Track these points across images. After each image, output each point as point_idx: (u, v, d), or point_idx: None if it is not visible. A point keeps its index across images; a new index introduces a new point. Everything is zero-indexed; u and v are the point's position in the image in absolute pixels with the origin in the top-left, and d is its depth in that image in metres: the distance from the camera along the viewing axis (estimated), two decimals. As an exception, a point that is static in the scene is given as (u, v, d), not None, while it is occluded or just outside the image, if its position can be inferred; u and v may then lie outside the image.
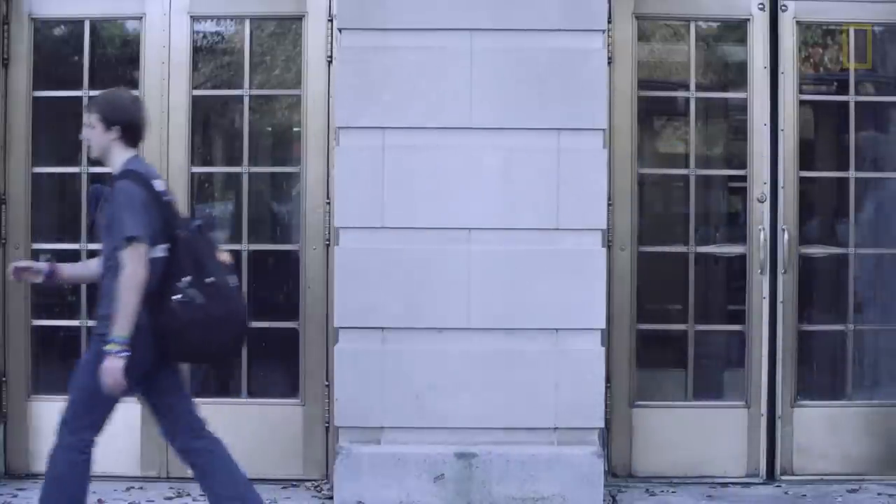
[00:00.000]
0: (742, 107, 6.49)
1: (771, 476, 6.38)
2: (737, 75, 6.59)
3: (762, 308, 6.37)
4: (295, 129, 6.53)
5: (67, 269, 5.16)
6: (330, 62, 6.27)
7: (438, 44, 5.91)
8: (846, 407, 6.46)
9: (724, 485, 6.33)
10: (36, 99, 6.43)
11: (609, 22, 6.15)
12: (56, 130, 6.63)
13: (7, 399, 6.44)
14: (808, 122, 6.63)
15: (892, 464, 6.38)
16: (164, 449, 6.38)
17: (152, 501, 6.08)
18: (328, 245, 6.26)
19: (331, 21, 6.25)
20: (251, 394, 6.43)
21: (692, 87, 6.47)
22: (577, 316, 5.94)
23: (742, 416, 6.40)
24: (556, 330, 5.94)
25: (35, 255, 6.46)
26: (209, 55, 6.67)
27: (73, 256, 6.44)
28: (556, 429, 5.95)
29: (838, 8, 6.45)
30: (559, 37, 5.91)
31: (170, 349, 4.69)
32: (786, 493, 6.23)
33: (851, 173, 6.46)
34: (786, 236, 6.33)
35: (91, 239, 6.46)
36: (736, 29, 6.57)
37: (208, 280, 4.65)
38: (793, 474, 6.38)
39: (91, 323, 6.41)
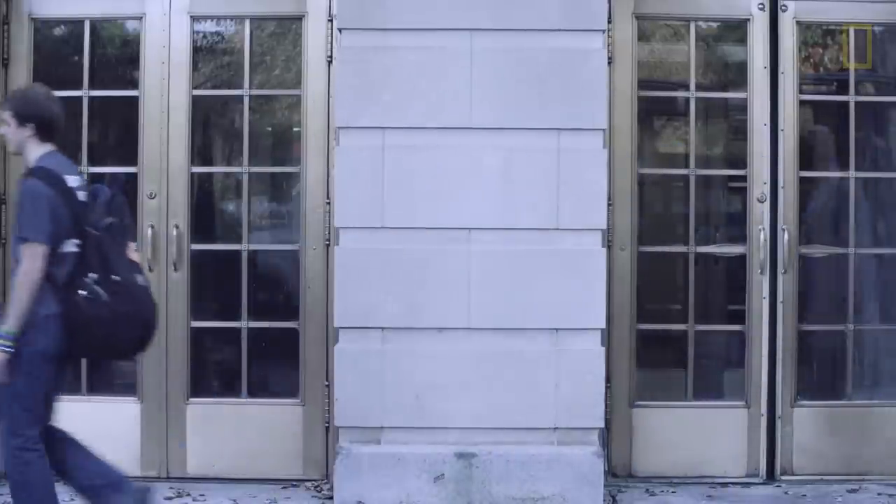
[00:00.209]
0: (742, 107, 6.49)
1: (771, 476, 6.38)
2: (737, 75, 6.59)
3: (762, 308, 6.37)
4: (295, 129, 6.53)
5: None
6: (330, 62, 6.27)
7: (438, 44, 5.91)
8: (846, 407, 6.46)
9: (724, 485, 6.33)
10: (36, 99, 6.43)
11: (609, 22, 6.15)
12: (56, 130, 6.61)
13: (7, 399, 6.43)
14: (808, 122, 6.63)
15: (892, 464, 6.38)
16: (163, 449, 6.39)
17: (152, 501, 6.07)
18: (328, 245, 6.26)
19: (331, 21, 6.25)
20: (251, 394, 6.43)
21: (692, 87, 6.47)
22: (577, 316, 5.94)
23: (742, 416, 6.40)
24: (556, 330, 5.94)
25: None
26: (209, 55, 6.67)
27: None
28: (556, 429, 5.95)
29: (838, 8, 6.45)
30: (559, 37, 5.92)
31: (75, 344, 4.78)
32: (786, 493, 6.23)
33: (851, 173, 6.46)
34: (786, 236, 6.33)
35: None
36: (736, 29, 6.57)
37: (114, 278, 4.75)
38: (793, 474, 6.38)
39: (91, 323, 6.44)
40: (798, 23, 6.41)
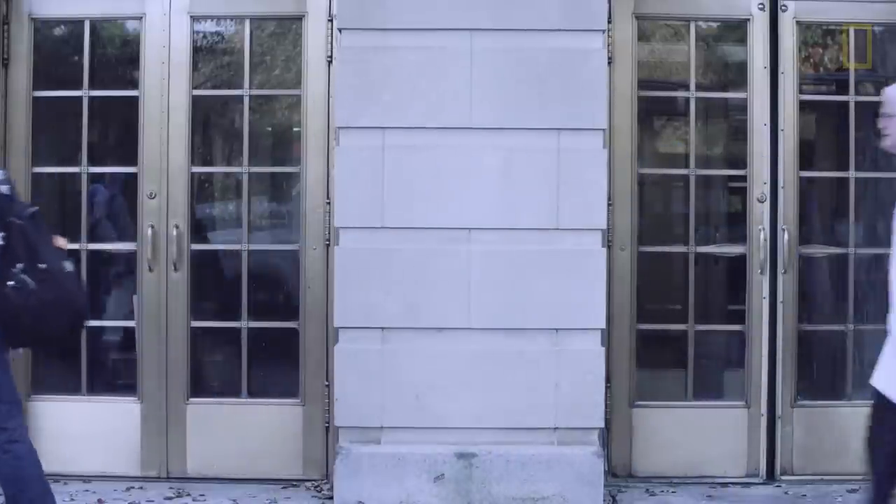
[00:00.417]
0: (742, 107, 6.49)
1: (771, 476, 6.38)
2: (737, 75, 6.59)
3: (762, 308, 6.37)
4: (295, 129, 6.53)
5: None
6: (330, 62, 6.28)
7: (438, 44, 5.91)
8: (846, 407, 6.45)
9: (724, 485, 6.33)
10: (36, 99, 6.43)
11: (609, 22, 6.15)
12: (56, 130, 6.63)
13: (7, 399, 6.43)
14: (808, 122, 6.63)
15: (892, 464, 6.37)
16: (163, 449, 6.39)
17: (152, 501, 6.08)
18: (328, 245, 6.26)
19: (331, 21, 6.25)
20: (251, 394, 6.43)
21: (692, 87, 6.47)
22: (577, 316, 5.94)
23: (742, 416, 6.41)
24: (556, 330, 5.94)
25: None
26: (209, 55, 6.67)
27: (73, 256, 6.44)
28: (556, 429, 5.95)
29: (838, 8, 6.45)
30: (559, 37, 5.92)
31: (7, 334, 4.76)
32: (786, 493, 6.23)
33: (851, 173, 6.46)
34: (786, 236, 6.33)
35: (91, 238, 6.48)
36: (736, 29, 6.57)
37: (41, 266, 4.73)
38: (793, 474, 6.38)
39: (91, 322, 6.43)
40: (798, 23, 6.41)
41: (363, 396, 5.94)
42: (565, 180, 5.90)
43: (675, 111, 6.85)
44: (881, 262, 6.62)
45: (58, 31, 6.73)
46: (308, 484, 6.31)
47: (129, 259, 6.44)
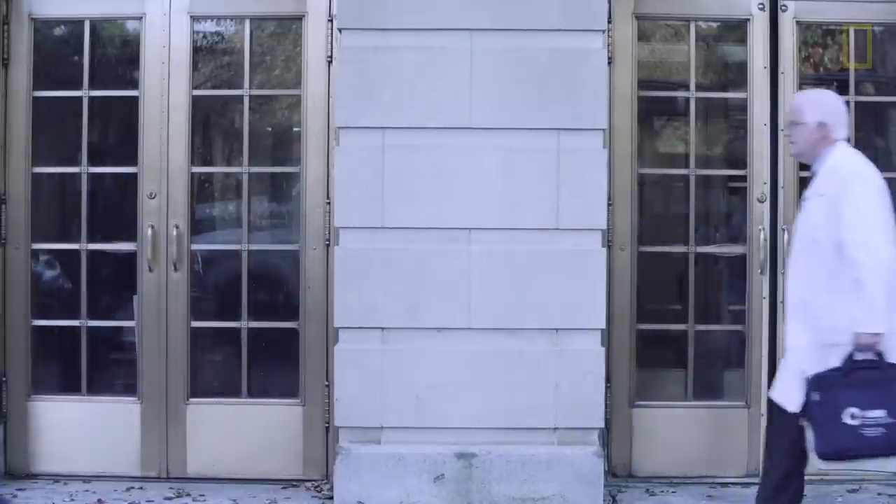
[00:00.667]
0: (742, 107, 6.49)
1: (771, 476, 6.38)
2: (737, 75, 6.59)
3: (762, 308, 6.37)
4: (295, 129, 6.53)
5: None
6: (330, 62, 6.28)
7: (438, 44, 5.91)
8: (846, 407, 6.45)
9: (724, 485, 6.33)
10: (36, 99, 6.43)
11: (609, 22, 6.15)
12: (56, 130, 6.63)
13: (7, 399, 6.44)
14: (808, 122, 6.62)
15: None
16: (163, 449, 6.39)
17: (152, 501, 6.08)
18: (328, 245, 6.26)
19: (331, 21, 6.25)
20: (251, 394, 6.43)
21: (692, 87, 6.47)
22: (577, 316, 5.94)
23: (742, 416, 6.40)
24: (556, 330, 5.94)
25: (35, 254, 6.47)
26: (209, 55, 6.67)
27: (73, 256, 6.45)
28: (556, 429, 5.95)
29: (838, 8, 6.45)
30: (559, 37, 5.91)
31: None
32: (786, 493, 6.23)
33: (851, 173, 6.45)
34: (786, 236, 6.32)
35: (91, 239, 6.48)
36: (736, 29, 6.57)
37: None
38: (793, 474, 6.37)
39: (91, 323, 6.44)
40: (798, 23, 6.41)
41: (363, 396, 5.94)
42: (565, 180, 5.90)
43: (675, 111, 6.85)
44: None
45: (58, 31, 6.73)
46: (308, 484, 6.31)
47: (129, 259, 6.43)
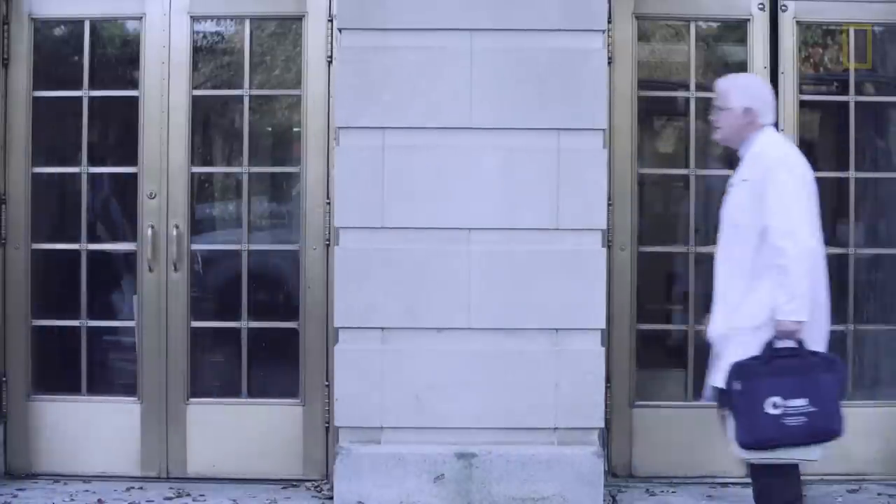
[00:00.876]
0: (742, 107, 6.48)
1: (771, 476, 6.37)
2: (737, 75, 6.59)
3: (762, 308, 6.36)
4: (295, 129, 6.53)
5: None
6: (330, 62, 6.27)
7: (438, 44, 5.91)
8: (846, 407, 6.41)
9: (724, 485, 6.33)
10: (36, 99, 6.43)
11: (609, 22, 6.15)
12: (56, 130, 6.63)
13: (7, 399, 6.44)
14: (808, 122, 6.63)
15: (892, 464, 6.38)
16: (163, 449, 6.39)
17: (152, 501, 6.08)
18: (328, 245, 6.26)
19: (331, 21, 6.25)
20: (251, 394, 6.43)
21: (692, 87, 6.47)
22: (577, 316, 5.94)
23: (742, 416, 6.40)
24: (556, 330, 5.94)
25: (35, 255, 6.47)
26: (209, 55, 6.67)
27: (73, 256, 6.45)
28: (556, 429, 5.95)
29: (838, 8, 6.45)
30: (559, 37, 5.91)
31: None
32: (786, 493, 6.23)
33: (851, 173, 6.46)
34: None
35: (91, 239, 6.48)
36: (736, 29, 6.57)
37: None
38: (793, 474, 6.37)
39: (91, 323, 6.44)
40: (798, 23, 6.41)
41: (363, 396, 5.94)
42: (565, 180, 5.90)
43: (675, 111, 6.85)
44: (881, 263, 6.65)
45: (58, 31, 6.73)
46: (308, 484, 6.31)
47: (129, 259, 6.43)
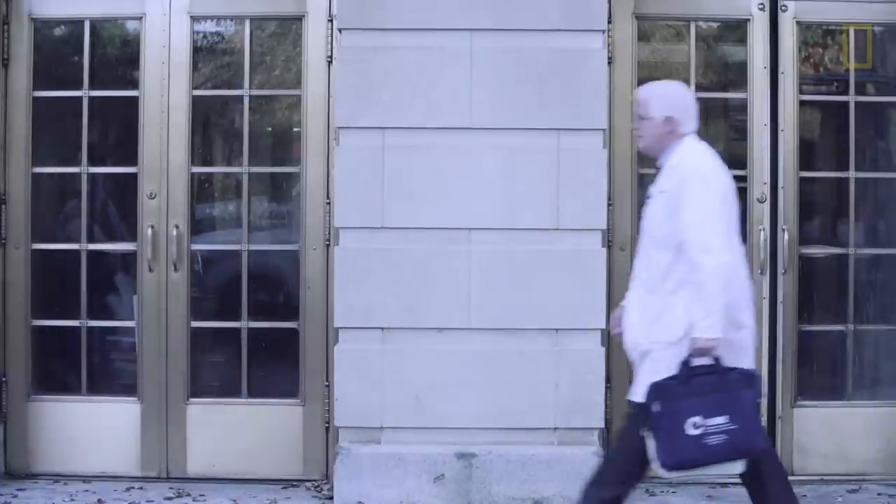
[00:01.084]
0: (742, 107, 6.48)
1: (771, 476, 6.37)
2: (737, 75, 6.59)
3: (762, 308, 6.36)
4: (295, 129, 6.53)
5: None
6: (330, 62, 6.27)
7: (438, 44, 5.92)
8: (846, 407, 6.46)
9: (724, 485, 6.32)
10: (36, 99, 6.43)
11: (609, 22, 6.15)
12: (56, 130, 6.62)
13: (7, 399, 6.44)
14: (808, 122, 6.63)
15: (892, 464, 6.38)
16: (163, 449, 6.39)
17: (152, 501, 6.08)
18: (328, 245, 6.26)
19: (331, 21, 6.25)
20: (251, 394, 6.43)
21: (692, 87, 6.45)
22: (577, 316, 5.94)
23: (742, 416, 6.39)
24: (556, 330, 5.94)
25: (35, 255, 6.46)
26: (209, 55, 6.67)
27: (73, 256, 6.44)
28: (556, 429, 5.95)
29: (838, 8, 6.45)
30: (559, 37, 5.92)
31: None
32: (786, 493, 6.22)
33: (851, 173, 6.45)
34: (786, 236, 6.33)
35: (91, 239, 6.48)
36: (736, 29, 6.57)
37: None
38: (792, 474, 6.35)
39: (91, 323, 6.44)
40: (798, 23, 6.41)
41: (363, 396, 5.94)
42: (565, 180, 5.90)
43: (676, 111, 6.82)
44: (881, 262, 6.65)
45: (58, 31, 6.73)
46: (308, 484, 6.31)
47: (129, 259, 6.43)
